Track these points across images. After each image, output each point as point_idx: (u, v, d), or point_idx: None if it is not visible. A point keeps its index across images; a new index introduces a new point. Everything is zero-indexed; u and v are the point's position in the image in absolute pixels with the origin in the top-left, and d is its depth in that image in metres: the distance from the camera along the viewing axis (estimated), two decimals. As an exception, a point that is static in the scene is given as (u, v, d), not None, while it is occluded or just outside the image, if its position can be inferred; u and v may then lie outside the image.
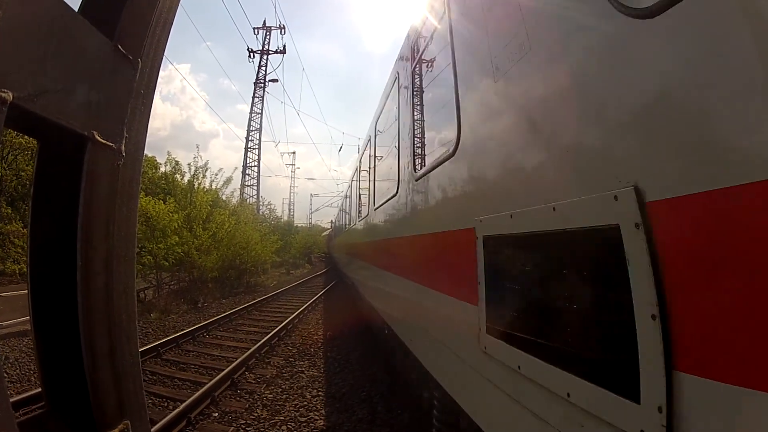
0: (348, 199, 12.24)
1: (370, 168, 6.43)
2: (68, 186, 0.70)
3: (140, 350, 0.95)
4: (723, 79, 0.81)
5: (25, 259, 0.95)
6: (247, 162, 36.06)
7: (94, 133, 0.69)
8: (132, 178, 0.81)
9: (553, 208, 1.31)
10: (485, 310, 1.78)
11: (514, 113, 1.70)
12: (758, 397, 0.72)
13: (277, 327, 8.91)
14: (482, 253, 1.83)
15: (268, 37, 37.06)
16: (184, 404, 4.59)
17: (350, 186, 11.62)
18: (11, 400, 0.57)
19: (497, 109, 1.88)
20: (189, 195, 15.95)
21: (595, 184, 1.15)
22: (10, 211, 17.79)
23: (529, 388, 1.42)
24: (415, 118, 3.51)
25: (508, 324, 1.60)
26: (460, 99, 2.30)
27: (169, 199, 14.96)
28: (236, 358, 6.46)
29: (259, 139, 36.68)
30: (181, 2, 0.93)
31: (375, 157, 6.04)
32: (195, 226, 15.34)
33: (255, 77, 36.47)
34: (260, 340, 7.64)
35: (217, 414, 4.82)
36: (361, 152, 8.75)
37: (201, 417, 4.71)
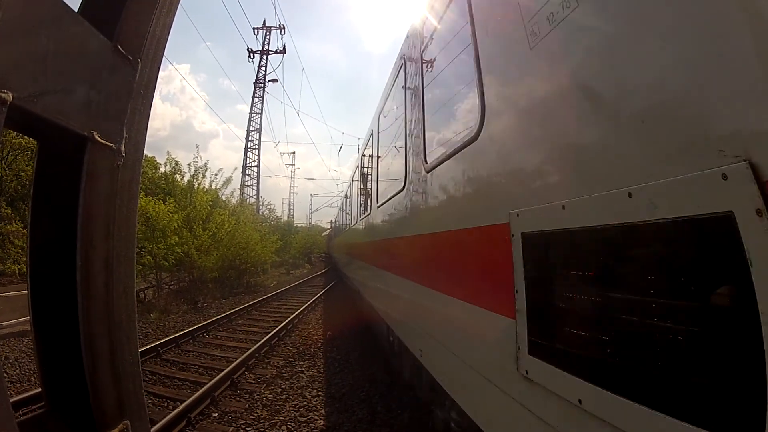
0: (348, 199, 12.11)
1: (372, 165, 6.20)
2: (68, 186, 0.70)
3: (140, 350, 0.95)
4: None
5: (25, 259, 0.95)
6: (247, 162, 36.09)
7: (94, 133, 0.70)
8: (132, 178, 0.81)
9: (629, 194, 1.04)
10: (527, 325, 1.46)
11: (564, 77, 1.38)
12: None
13: (277, 327, 8.91)
14: (521, 253, 1.51)
15: (267, 37, 37.16)
16: (183, 404, 4.59)
17: (350, 185, 11.41)
18: (11, 400, 0.57)
19: (538, 77, 1.55)
20: (189, 195, 15.96)
21: (689, 161, 0.90)
22: (9, 211, 17.79)
23: (598, 430, 1.11)
24: (426, 104, 3.05)
25: (564, 344, 1.30)
26: (483, 74, 1.97)
27: (169, 199, 14.98)
28: (236, 358, 6.46)
29: (259, 140, 36.77)
30: (181, 2, 0.93)
31: (378, 153, 5.74)
32: (195, 227, 15.36)
33: (255, 77, 36.60)
34: (260, 341, 7.63)
35: (216, 414, 4.81)
36: (362, 149, 8.48)
37: (201, 417, 4.71)
